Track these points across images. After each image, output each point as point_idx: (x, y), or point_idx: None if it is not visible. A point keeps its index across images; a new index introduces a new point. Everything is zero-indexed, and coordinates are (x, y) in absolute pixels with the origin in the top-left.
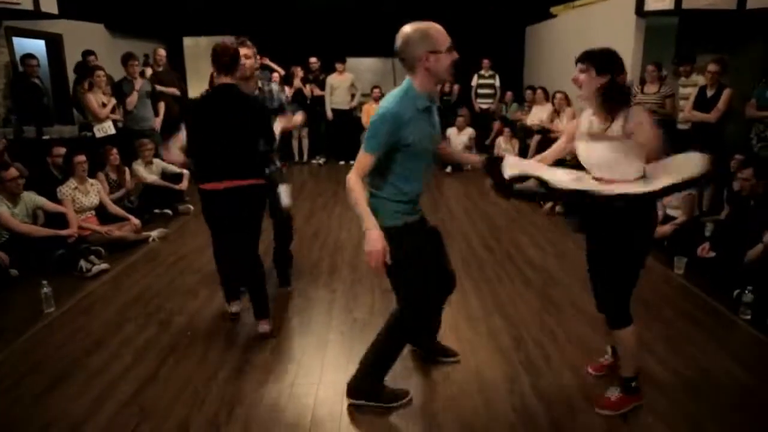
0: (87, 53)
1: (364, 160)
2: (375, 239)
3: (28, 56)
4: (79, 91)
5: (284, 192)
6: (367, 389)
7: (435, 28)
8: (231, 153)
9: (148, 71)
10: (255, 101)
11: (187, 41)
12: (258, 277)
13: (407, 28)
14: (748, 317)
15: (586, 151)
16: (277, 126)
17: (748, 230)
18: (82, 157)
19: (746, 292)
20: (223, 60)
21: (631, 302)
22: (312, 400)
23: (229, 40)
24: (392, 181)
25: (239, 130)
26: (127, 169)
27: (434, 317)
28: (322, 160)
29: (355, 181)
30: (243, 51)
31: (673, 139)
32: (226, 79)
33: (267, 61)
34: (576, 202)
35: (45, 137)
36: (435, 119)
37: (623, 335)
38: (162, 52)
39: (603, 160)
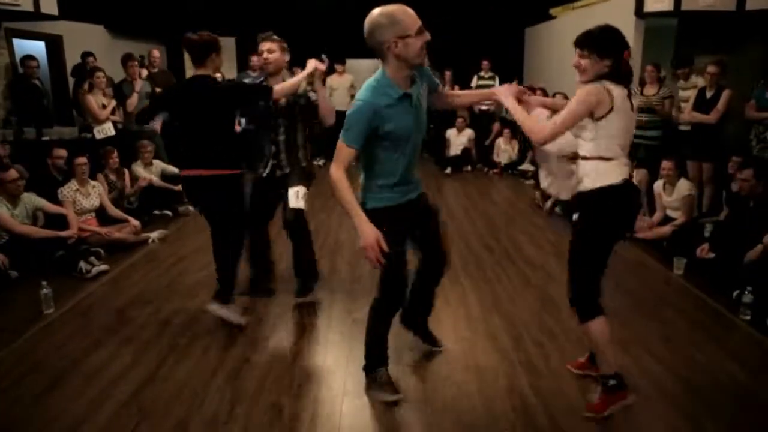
0: (86, 54)
1: (344, 152)
2: (367, 232)
3: (28, 57)
4: (79, 93)
5: (293, 194)
6: (367, 368)
7: (402, 10)
8: (202, 143)
9: (143, 72)
10: (225, 87)
11: None
12: (228, 263)
13: (374, 13)
14: (748, 318)
15: None
16: (309, 66)
17: (748, 231)
18: (82, 159)
19: (746, 292)
20: (190, 53)
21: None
22: (312, 399)
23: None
24: (377, 168)
25: (209, 121)
26: (126, 171)
27: (424, 299)
28: (321, 161)
29: (339, 175)
30: (267, 45)
31: (673, 140)
32: (199, 71)
33: None
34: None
35: (45, 139)
36: (418, 103)
37: (592, 328)
38: (156, 53)
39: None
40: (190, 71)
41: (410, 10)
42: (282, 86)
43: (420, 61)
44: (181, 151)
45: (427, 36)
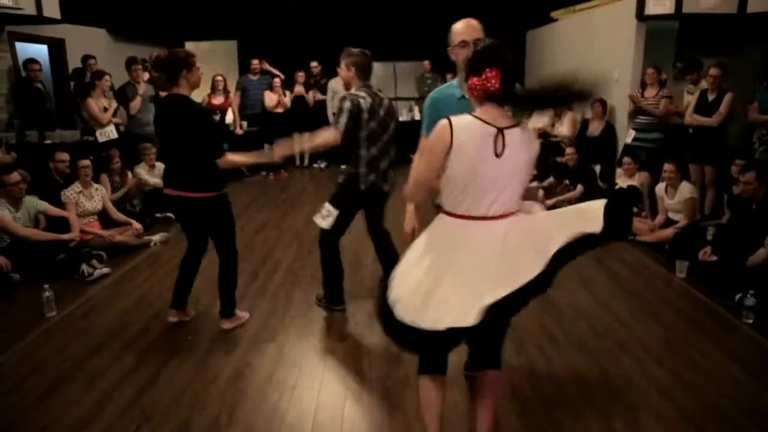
0: (86, 57)
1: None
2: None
3: (31, 61)
4: (80, 96)
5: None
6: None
7: (461, 23)
8: (176, 163)
9: (145, 75)
10: (200, 112)
11: (189, 46)
12: (224, 280)
13: None
14: (751, 321)
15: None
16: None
17: (750, 234)
18: (86, 162)
19: (748, 295)
20: (162, 72)
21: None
22: (313, 403)
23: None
24: None
25: (180, 142)
26: (129, 172)
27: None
28: (323, 165)
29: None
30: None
31: (675, 142)
32: (173, 90)
33: (267, 66)
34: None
35: (47, 142)
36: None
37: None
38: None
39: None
40: None
41: (469, 24)
42: (233, 159)
43: (462, 71)
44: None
45: (468, 50)
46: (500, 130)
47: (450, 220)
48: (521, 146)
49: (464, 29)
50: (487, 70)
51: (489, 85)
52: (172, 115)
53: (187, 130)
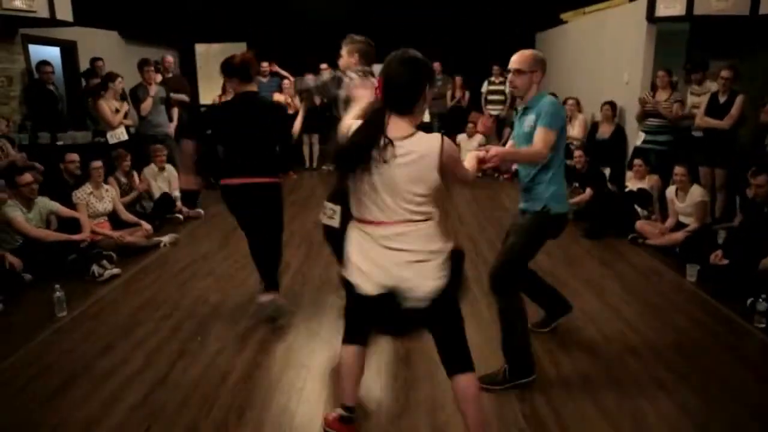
0: (94, 59)
1: None
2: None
3: (44, 63)
4: (90, 98)
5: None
6: None
7: None
8: (252, 152)
9: (158, 77)
10: (276, 108)
11: (200, 48)
12: (273, 261)
13: None
14: (762, 326)
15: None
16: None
17: (762, 237)
18: (98, 163)
19: (760, 300)
20: (238, 74)
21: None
22: (321, 405)
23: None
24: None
25: (260, 132)
26: (135, 173)
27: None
28: (331, 167)
29: None
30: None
31: (685, 145)
32: (246, 87)
33: (276, 68)
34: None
35: (59, 143)
36: (518, 124)
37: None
38: (170, 58)
39: None
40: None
41: (517, 53)
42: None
43: (512, 91)
44: (229, 162)
45: (511, 76)
46: (389, 141)
47: (354, 224)
48: (410, 158)
49: (513, 58)
50: (380, 77)
51: (377, 90)
52: (252, 108)
53: (266, 119)
